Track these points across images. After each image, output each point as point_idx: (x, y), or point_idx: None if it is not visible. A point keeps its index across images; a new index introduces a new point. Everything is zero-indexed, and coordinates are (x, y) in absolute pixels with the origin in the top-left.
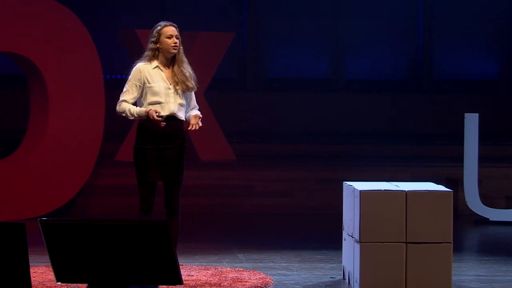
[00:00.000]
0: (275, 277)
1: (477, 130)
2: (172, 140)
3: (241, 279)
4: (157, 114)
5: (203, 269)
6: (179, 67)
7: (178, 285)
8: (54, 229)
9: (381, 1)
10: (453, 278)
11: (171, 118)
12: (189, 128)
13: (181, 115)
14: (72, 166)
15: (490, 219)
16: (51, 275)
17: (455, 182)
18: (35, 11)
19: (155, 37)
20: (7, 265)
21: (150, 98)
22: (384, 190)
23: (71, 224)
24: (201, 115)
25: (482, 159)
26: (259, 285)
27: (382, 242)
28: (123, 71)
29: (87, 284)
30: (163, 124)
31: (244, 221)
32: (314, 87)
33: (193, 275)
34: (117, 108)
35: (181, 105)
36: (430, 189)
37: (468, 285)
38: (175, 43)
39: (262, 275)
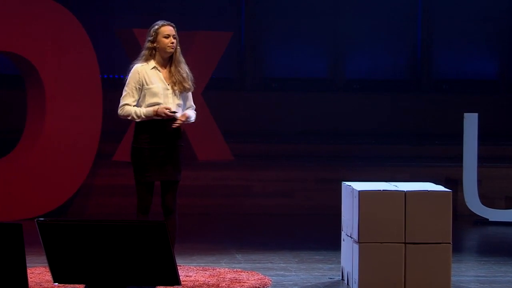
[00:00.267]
0: (273, 277)
1: (476, 130)
2: (170, 139)
3: (239, 279)
4: (168, 110)
5: (201, 270)
6: (176, 67)
7: (176, 286)
8: (51, 230)
9: (381, 1)
10: (452, 278)
11: (169, 118)
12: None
13: (179, 115)
14: (70, 166)
15: (490, 220)
16: (48, 276)
17: (454, 182)
18: (33, 11)
19: (152, 36)
20: (4, 266)
21: (149, 100)
22: (383, 190)
23: (69, 224)
24: (188, 115)
25: (482, 159)
26: (257, 285)
27: (381, 243)
28: (120, 71)
29: (84, 285)
30: (176, 125)
31: (242, 222)
32: (313, 86)
33: (191, 276)
34: (120, 112)
35: (178, 105)
36: (429, 189)
37: (467, 285)
38: (172, 42)
39: (261, 276)
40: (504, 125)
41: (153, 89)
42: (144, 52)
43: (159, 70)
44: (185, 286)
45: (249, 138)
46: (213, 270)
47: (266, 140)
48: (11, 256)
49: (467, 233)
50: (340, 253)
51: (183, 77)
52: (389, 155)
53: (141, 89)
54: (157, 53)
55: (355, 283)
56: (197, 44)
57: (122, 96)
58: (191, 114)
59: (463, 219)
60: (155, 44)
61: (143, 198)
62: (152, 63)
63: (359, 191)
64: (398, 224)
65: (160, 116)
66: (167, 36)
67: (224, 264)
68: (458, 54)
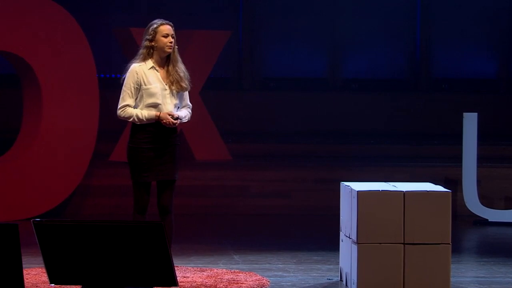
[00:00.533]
0: (271, 278)
1: (476, 130)
2: (167, 139)
3: (237, 280)
4: (171, 116)
5: (198, 271)
6: (173, 67)
7: (173, 287)
8: (48, 230)
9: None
10: (452, 279)
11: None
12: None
13: (178, 116)
14: (66, 166)
15: (489, 220)
16: (44, 277)
17: (453, 183)
18: (29, 9)
19: (151, 35)
20: (0, 267)
21: (147, 100)
22: (381, 190)
23: (65, 225)
24: (179, 115)
25: (481, 159)
26: (255, 286)
27: (380, 243)
28: (117, 70)
29: (80, 286)
30: (176, 123)
31: (240, 222)
32: (311, 86)
33: (188, 277)
34: (121, 113)
35: (175, 105)
36: (428, 190)
37: (466, 286)
38: (171, 42)
39: (258, 277)
40: (504, 125)
41: (151, 89)
42: (142, 51)
43: (156, 70)
44: (182, 287)
45: (247, 138)
46: (211, 271)
47: (264, 140)
48: (7, 257)
49: (467, 234)
50: (339, 253)
51: (180, 77)
52: (388, 155)
53: (139, 89)
54: (155, 52)
55: (353, 284)
56: (195, 43)
57: (121, 96)
58: (186, 113)
59: (462, 219)
60: (153, 43)
61: (140, 198)
62: (150, 62)
63: (357, 191)
64: (397, 225)
65: (163, 122)
66: (166, 36)
67: (221, 265)
68: (458, 53)
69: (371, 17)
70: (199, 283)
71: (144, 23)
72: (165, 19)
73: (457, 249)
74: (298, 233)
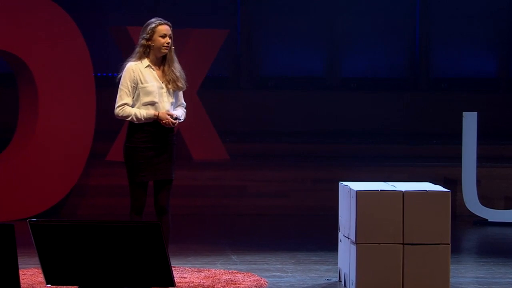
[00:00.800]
0: (269, 279)
1: (475, 129)
2: (164, 138)
3: (235, 281)
4: (170, 115)
5: (196, 271)
6: (169, 66)
7: None
8: (44, 230)
9: None
10: (451, 280)
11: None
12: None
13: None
14: (62, 166)
15: (489, 220)
16: (40, 277)
17: (453, 182)
18: (25, 8)
19: (148, 34)
20: None
21: (144, 99)
22: (380, 190)
23: (61, 225)
24: (176, 114)
25: (481, 158)
26: (253, 287)
27: (379, 244)
28: (114, 69)
29: (77, 287)
30: (175, 122)
31: (238, 222)
32: (310, 85)
33: (185, 277)
34: (120, 112)
35: (172, 103)
36: (427, 190)
37: (466, 287)
38: (168, 43)
39: (256, 277)
40: (504, 124)
41: (148, 87)
42: (138, 49)
43: (153, 69)
44: None
45: (245, 138)
46: (208, 271)
47: (262, 140)
48: (3, 257)
49: (466, 234)
50: (337, 254)
51: (176, 76)
52: (387, 154)
53: (136, 87)
54: (151, 51)
55: (352, 284)
56: (192, 42)
57: (119, 95)
58: (181, 112)
59: (462, 219)
60: (150, 42)
61: (137, 198)
62: (146, 61)
63: (356, 191)
64: (396, 225)
65: (163, 122)
66: (164, 36)
67: (219, 265)
68: (457, 52)
69: (370, 15)
70: (196, 284)
71: (141, 21)
72: (163, 17)
73: (456, 249)
74: (297, 233)
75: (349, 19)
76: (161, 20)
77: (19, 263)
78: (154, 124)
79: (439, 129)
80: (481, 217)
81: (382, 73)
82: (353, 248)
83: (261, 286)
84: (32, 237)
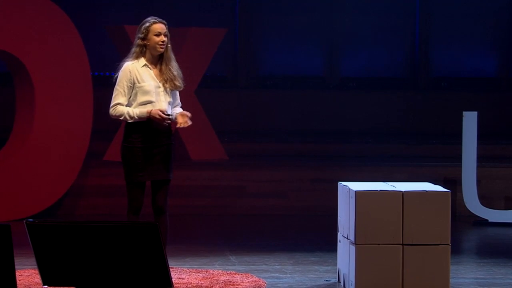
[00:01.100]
0: (268, 280)
1: (475, 129)
2: (161, 138)
3: (233, 282)
4: (162, 112)
5: (194, 272)
6: (166, 65)
7: None
8: (41, 231)
9: None
10: (451, 281)
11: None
12: (177, 126)
13: (169, 113)
14: (60, 166)
15: (489, 220)
16: (37, 278)
17: (453, 182)
18: (21, 7)
19: (143, 33)
20: None
21: (141, 98)
22: (380, 190)
23: (58, 225)
24: (189, 114)
25: (481, 158)
26: None
27: (378, 244)
28: (111, 69)
29: None
30: (168, 122)
31: (236, 223)
32: (308, 84)
33: (183, 278)
34: (112, 112)
35: (169, 103)
36: (427, 190)
37: None
38: (163, 41)
39: (255, 278)
40: (504, 124)
41: (144, 87)
42: (135, 49)
43: (150, 68)
44: None
45: (243, 137)
46: (206, 272)
47: (260, 139)
48: None
49: (466, 234)
50: (336, 254)
51: (174, 75)
52: (387, 154)
53: (133, 87)
54: (147, 50)
55: (351, 285)
56: (190, 41)
57: (114, 95)
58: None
59: (462, 219)
60: (145, 42)
61: (134, 199)
62: (143, 60)
63: (355, 191)
64: (395, 225)
65: (155, 119)
66: (158, 34)
67: (217, 266)
68: (457, 51)
69: (369, 14)
70: (194, 285)
71: (138, 20)
72: (160, 16)
73: (456, 250)
74: (295, 234)
75: (348, 18)
76: (155, 19)
77: (15, 263)
78: (151, 124)
79: (439, 128)
80: (481, 218)
81: (381, 72)
82: (352, 248)
83: (260, 287)
84: (29, 238)
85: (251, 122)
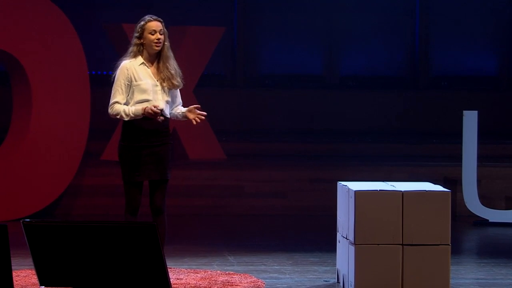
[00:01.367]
0: (267, 280)
1: (476, 128)
2: (159, 137)
3: (232, 282)
4: (155, 107)
5: (192, 272)
6: (164, 63)
7: None
8: (38, 231)
9: None
10: (451, 281)
11: (157, 116)
12: (194, 123)
13: (167, 113)
14: (57, 166)
15: (490, 220)
16: (34, 279)
17: (453, 182)
18: (18, 5)
19: (138, 32)
20: None
21: (138, 96)
22: (379, 190)
23: (55, 225)
24: (197, 106)
25: (482, 158)
26: None
27: (378, 244)
28: (109, 67)
29: None
30: (161, 118)
31: (235, 223)
32: (307, 83)
33: (181, 279)
34: (110, 111)
35: (167, 102)
36: (427, 189)
37: None
38: (158, 39)
39: (254, 279)
40: (505, 123)
41: (142, 85)
42: (132, 48)
43: (147, 66)
44: None
45: (241, 137)
46: (205, 272)
47: (259, 139)
48: None
49: (466, 234)
50: (336, 255)
51: (171, 74)
52: (386, 154)
53: (130, 85)
54: (144, 49)
55: (351, 286)
56: (188, 40)
57: (112, 93)
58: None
59: (462, 220)
60: (142, 40)
61: (131, 199)
62: (140, 59)
63: (355, 191)
64: (395, 225)
65: (149, 114)
66: (153, 32)
67: (216, 266)
68: (457, 50)
69: (369, 12)
70: (192, 285)
71: (136, 18)
72: (158, 14)
73: (456, 250)
74: (294, 234)
75: (348, 16)
76: (151, 17)
77: (12, 264)
78: (148, 123)
79: (439, 128)
80: (482, 218)
81: (381, 71)
82: (352, 249)
83: None
84: (26, 238)
85: (249, 121)
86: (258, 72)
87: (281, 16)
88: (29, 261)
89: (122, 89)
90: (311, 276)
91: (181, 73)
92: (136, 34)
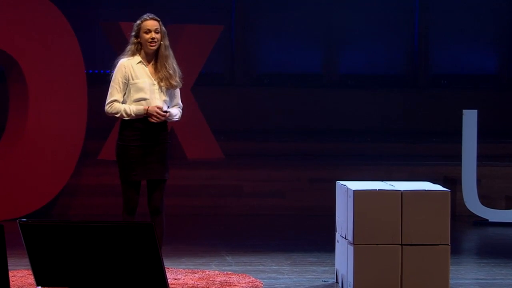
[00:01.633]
0: (265, 280)
1: (476, 127)
2: (157, 137)
3: (230, 282)
4: (160, 109)
5: (190, 273)
6: (162, 63)
7: None
8: (34, 231)
9: None
10: (451, 281)
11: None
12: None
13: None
14: (53, 165)
15: (490, 220)
16: (31, 279)
17: (453, 182)
18: (15, 3)
19: (135, 31)
20: None
21: (135, 95)
22: (378, 190)
23: (52, 225)
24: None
25: (481, 157)
26: None
27: (377, 244)
28: (106, 66)
29: None
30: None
31: (233, 223)
32: (306, 82)
33: (179, 279)
34: (108, 109)
35: (165, 101)
36: (426, 189)
37: None
38: (153, 38)
39: (252, 279)
40: (505, 122)
41: (139, 84)
42: (130, 47)
43: (145, 65)
44: None
45: (240, 136)
46: (203, 272)
47: (257, 138)
48: None
49: (466, 234)
50: (334, 255)
51: (169, 74)
52: (386, 153)
53: (127, 84)
54: (142, 48)
55: (349, 286)
56: (186, 38)
57: (109, 92)
58: (176, 112)
59: (462, 219)
60: (138, 39)
61: (129, 198)
62: (138, 57)
63: (354, 190)
64: (394, 225)
65: (152, 116)
66: (148, 32)
67: (214, 267)
68: (457, 49)
69: (367, 11)
70: (190, 285)
71: (134, 17)
72: (156, 13)
73: (456, 250)
74: (293, 234)
75: (347, 14)
76: (147, 16)
77: (8, 264)
78: (146, 122)
79: (438, 127)
80: (482, 217)
81: (380, 70)
82: (351, 249)
83: None
84: (22, 238)
85: (248, 120)
86: (256, 71)
87: (280, 14)
88: (26, 261)
89: (120, 87)
90: (309, 276)
91: (180, 73)
92: (133, 33)
